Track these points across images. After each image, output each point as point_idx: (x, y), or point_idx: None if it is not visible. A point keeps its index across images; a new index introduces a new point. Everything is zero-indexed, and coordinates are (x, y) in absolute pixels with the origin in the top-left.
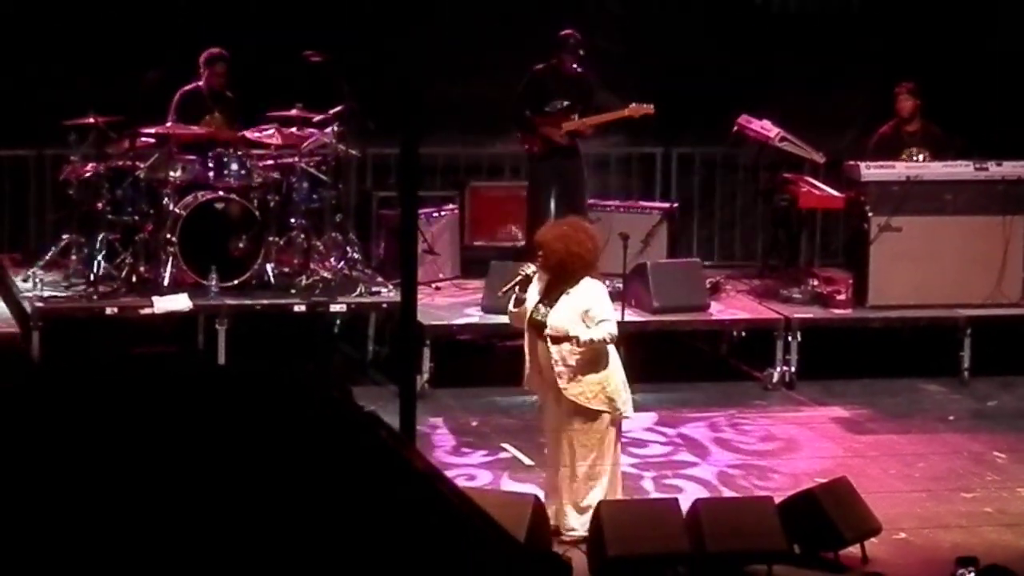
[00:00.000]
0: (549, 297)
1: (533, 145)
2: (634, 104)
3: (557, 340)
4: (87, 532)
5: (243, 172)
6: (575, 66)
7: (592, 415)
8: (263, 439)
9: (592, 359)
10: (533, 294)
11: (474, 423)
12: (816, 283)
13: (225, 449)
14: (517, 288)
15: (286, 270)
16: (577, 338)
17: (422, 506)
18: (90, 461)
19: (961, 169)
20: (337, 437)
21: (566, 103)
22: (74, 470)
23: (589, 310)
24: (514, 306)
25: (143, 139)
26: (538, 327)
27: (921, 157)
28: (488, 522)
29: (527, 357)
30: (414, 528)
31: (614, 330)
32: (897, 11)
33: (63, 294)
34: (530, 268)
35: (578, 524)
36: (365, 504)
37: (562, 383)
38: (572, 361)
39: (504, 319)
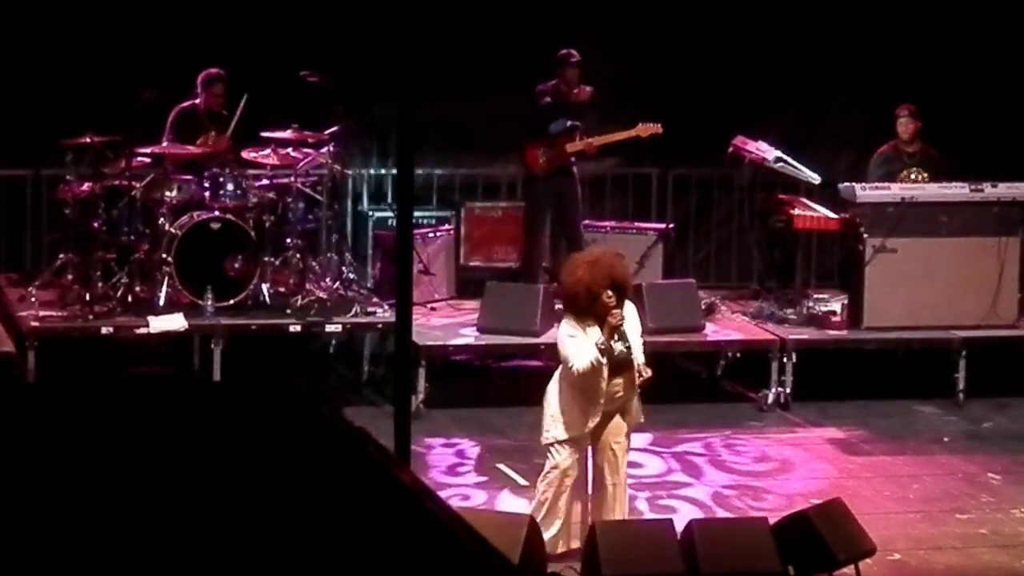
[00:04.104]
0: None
1: (547, 160)
2: (642, 124)
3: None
4: (80, 551)
5: (239, 192)
6: (574, 87)
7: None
8: (250, 455)
9: None
10: (591, 333)
11: (469, 443)
12: (811, 304)
13: (212, 466)
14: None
15: (281, 290)
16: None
17: (409, 523)
18: (83, 480)
19: (956, 191)
20: (325, 453)
21: (569, 123)
22: (67, 489)
23: (639, 331)
24: (604, 356)
25: (139, 159)
26: (621, 363)
27: (921, 178)
28: (478, 541)
29: (588, 400)
30: (401, 546)
31: None
32: (893, 32)
33: (59, 313)
34: (619, 315)
35: None
36: (352, 520)
37: (636, 404)
38: (638, 381)
39: (500, 340)
